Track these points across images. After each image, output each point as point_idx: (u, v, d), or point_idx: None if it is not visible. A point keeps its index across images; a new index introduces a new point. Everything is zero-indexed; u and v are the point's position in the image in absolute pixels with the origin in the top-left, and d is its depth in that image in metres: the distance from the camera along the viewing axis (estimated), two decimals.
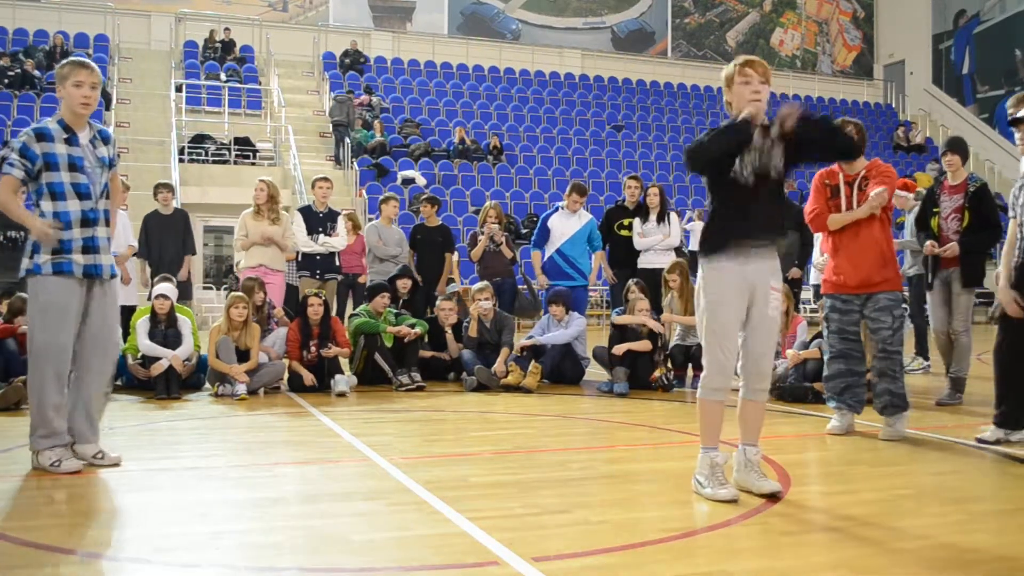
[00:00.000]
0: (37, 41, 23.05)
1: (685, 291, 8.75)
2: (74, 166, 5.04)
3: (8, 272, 9.32)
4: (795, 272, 9.43)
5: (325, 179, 9.94)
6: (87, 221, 5.08)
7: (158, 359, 7.93)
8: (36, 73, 21.33)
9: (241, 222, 9.30)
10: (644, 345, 8.42)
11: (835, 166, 6.22)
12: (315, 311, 8.44)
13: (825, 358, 6.30)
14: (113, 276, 5.25)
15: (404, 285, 9.41)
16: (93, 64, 5.21)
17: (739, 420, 4.50)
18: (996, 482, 4.95)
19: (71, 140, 5.06)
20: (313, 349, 8.40)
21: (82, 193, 5.06)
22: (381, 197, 10.73)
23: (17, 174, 4.95)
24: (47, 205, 5.00)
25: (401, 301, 9.35)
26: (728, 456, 4.44)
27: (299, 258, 9.58)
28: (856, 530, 3.85)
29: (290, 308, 9.27)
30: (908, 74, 32.74)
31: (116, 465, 5.15)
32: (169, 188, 10.71)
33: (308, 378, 8.27)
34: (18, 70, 21.11)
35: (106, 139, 5.26)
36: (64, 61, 5.22)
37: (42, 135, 5.00)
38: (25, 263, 5.03)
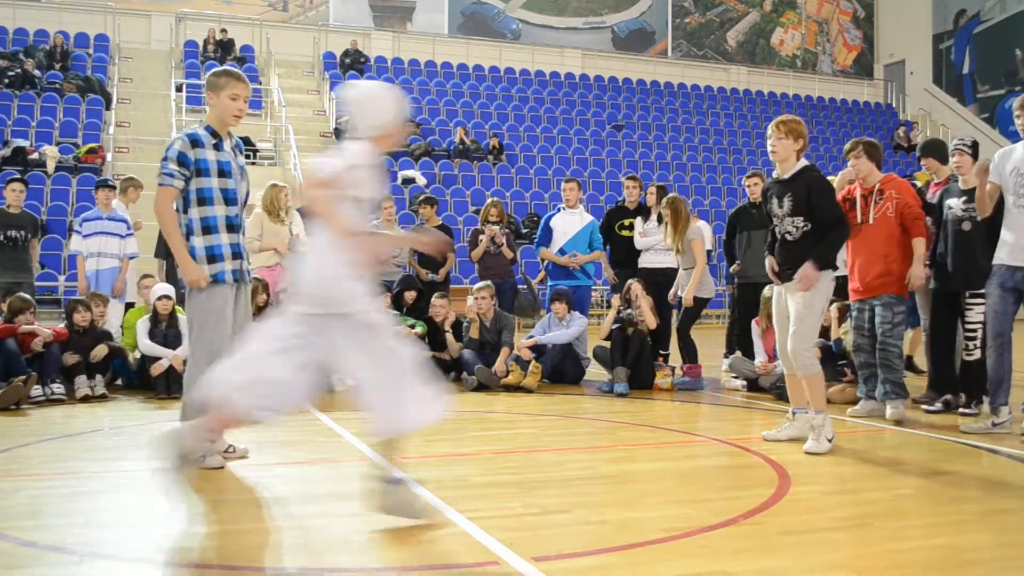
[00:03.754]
0: (37, 41, 23.02)
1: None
2: (223, 172, 5.08)
3: (9, 272, 9.30)
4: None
5: None
6: (232, 227, 5.13)
7: (158, 359, 7.94)
8: (36, 73, 21.30)
9: (256, 223, 9.31)
10: (650, 320, 8.54)
11: (853, 184, 6.92)
12: None
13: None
14: (248, 281, 5.33)
15: (411, 297, 9.41)
16: (245, 77, 5.26)
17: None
18: (995, 481, 4.95)
19: (218, 145, 5.11)
20: None
21: (229, 199, 5.11)
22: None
23: (177, 184, 4.95)
24: (194, 212, 5.02)
25: (405, 308, 9.35)
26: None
27: None
28: (856, 530, 3.85)
29: None
30: (908, 74, 32.74)
31: (244, 458, 5.24)
32: None
33: None
34: (18, 70, 21.07)
35: (240, 149, 5.32)
36: (219, 70, 5.23)
37: (195, 141, 5.01)
38: (203, 270, 5.02)
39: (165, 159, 4.99)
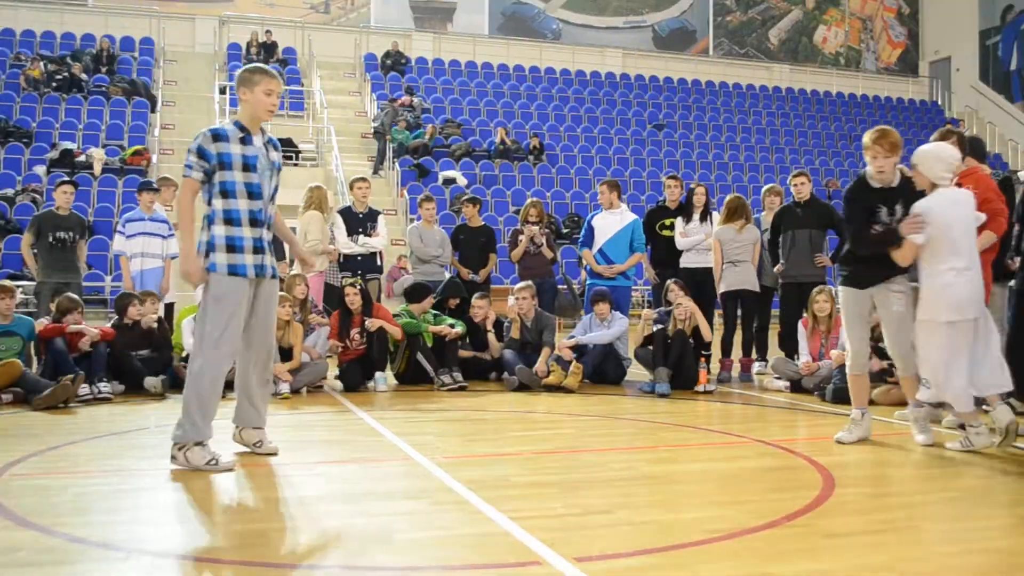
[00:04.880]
0: (84, 45, 23.39)
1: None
2: (247, 166, 5.13)
3: (58, 272, 9.44)
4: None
5: (363, 179, 10.09)
6: (255, 221, 5.17)
7: None
8: (83, 76, 21.65)
9: (317, 225, 9.41)
10: (705, 332, 8.53)
11: None
12: (351, 300, 8.53)
13: None
14: (275, 276, 5.35)
15: (454, 304, 9.44)
16: (276, 73, 5.36)
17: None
18: None
19: (245, 140, 5.16)
20: (356, 337, 8.50)
21: (253, 193, 5.15)
22: (419, 197, 10.79)
23: (196, 176, 5.05)
24: (218, 203, 5.09)
25: (448, 310, 9.37)
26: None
27: (341, 259, 9.67)
28: (901, 533, 3.80)
29: (330, 307, 9.35)
30: (954, 71, 32.25)
31: (274, 454, 5.33)
32: None
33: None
34: (66, 74, 21.44)
35: (275, 146, 5.38)
36: (251, 66, 5.32)
37: (218, 136, 5.09)
38: (201, 262, 5.08)
39: (188, 152, 5.10)
